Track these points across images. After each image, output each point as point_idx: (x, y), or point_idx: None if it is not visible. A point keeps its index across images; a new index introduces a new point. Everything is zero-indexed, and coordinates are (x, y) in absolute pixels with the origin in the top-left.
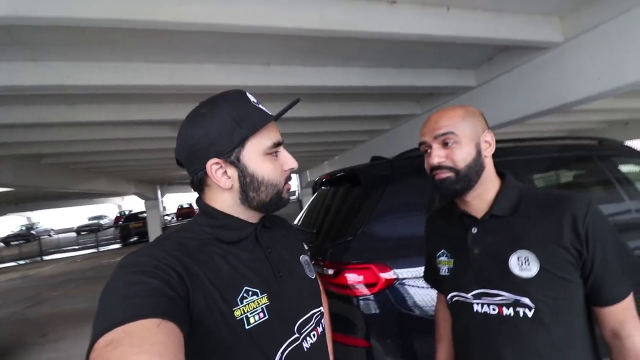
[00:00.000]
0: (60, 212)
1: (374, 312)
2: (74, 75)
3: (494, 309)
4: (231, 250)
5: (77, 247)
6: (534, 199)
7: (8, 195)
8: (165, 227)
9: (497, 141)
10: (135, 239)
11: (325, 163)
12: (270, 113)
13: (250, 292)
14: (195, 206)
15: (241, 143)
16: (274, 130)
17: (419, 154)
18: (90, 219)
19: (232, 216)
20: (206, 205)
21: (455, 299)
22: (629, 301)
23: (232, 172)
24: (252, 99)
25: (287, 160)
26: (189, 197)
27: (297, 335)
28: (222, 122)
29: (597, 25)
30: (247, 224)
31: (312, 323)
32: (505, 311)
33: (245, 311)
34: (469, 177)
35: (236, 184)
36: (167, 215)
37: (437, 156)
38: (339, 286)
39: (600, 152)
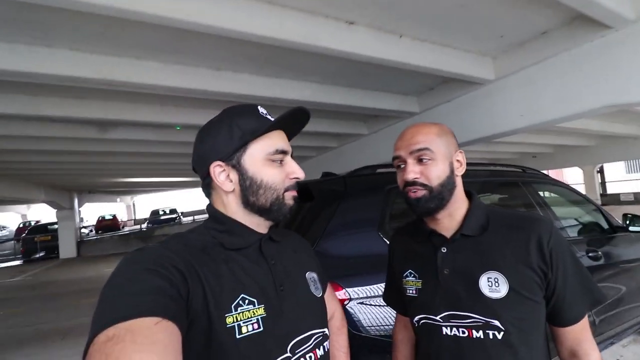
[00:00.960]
0: None
1: None
2: None
3: (463, 332)
4: (234, 257)
5: None
6: (501, 219)
7: None
8: (81, 241)
9: None
10: (41, 254)
11: None
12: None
13: (246, 301)
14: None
15: (242, 147)
16: (280, 139)
17: (371, 172)
18: None
19: (238, 222)
20: (214, 209)
21: (423, 321)
22: (586, 321)
23: (233, 175)
24: (261, 110)
25: (294, 169)
26: (113, 208)
27: (289, 354)
28: (227, 128)
29: (522, 69)
30: (253, 233)
31: (309, 344)
32: (474, 334)
33: (239, 319)
34: (442, 195)
35: (237, 187)
36: (85, 227)
37: (412, 172)
38: None
39: (523, 178)
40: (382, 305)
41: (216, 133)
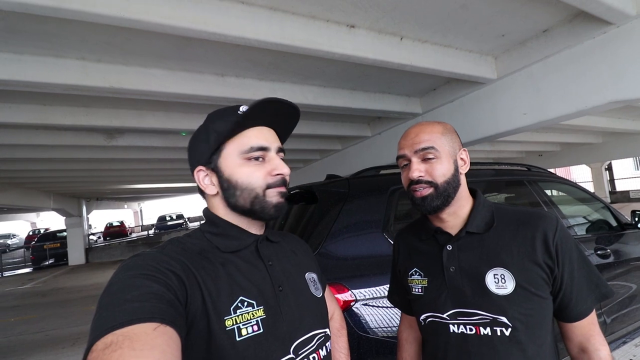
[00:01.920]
0: None
1: None
2: None
3: (470, 329)
4: (231, 260)
5: None
6: (506, 217)
7: None
8: (89, 248)
9: None
10: (50, 261)
11: None
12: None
13: (245, 303)
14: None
15: (217, 149)
16: (257, 136)
17: (374, 173)
18: None
19: (232, 224)
20: (209, 212)
21: (429, 319)
22: (594, 316)
23: (214, 178)
24: (242, 109)
25: (276, 165)
26: (120, 214)
27: (292, 356)
28: (204, 132)
29: (524, 67)
30: (247, 234)
31: (312, 345)
32: (482, 331)
33: (238, 321)
34: (447, 192)
35: (220, 190)
36: (93, 234)
37: (417, 170)
38: None
39: (529, 177)
40: (389, 307)
41: (198, 139)
